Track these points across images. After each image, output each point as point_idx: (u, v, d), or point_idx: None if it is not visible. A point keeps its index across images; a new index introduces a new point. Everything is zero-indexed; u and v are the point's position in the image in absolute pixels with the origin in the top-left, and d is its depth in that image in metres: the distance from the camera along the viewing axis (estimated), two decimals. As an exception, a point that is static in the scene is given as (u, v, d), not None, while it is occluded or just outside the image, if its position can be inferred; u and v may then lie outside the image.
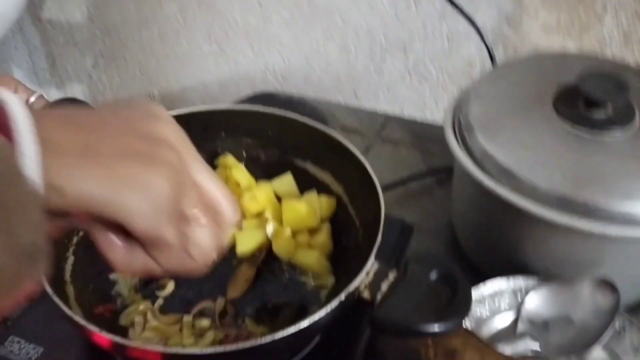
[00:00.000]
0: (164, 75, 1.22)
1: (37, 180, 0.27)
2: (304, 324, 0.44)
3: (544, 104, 0.60)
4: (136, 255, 0.34)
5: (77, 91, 1.32)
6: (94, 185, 0.29)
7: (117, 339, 0.43)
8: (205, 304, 0.56)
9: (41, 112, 0.29)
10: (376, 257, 0.49)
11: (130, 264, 0.34)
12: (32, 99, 0.60)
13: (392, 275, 0.48)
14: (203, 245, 0.35)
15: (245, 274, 0.58)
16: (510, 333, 0.57)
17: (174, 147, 0.33)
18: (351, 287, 0.46)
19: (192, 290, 0.58)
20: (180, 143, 0.34)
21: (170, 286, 0.58)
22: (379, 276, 0.48)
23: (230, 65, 1.14)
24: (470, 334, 0.54)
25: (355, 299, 0.47)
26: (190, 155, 0.35)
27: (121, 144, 0.31)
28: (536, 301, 0.58)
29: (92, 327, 0.43)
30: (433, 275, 0.47)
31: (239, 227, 0.62)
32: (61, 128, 0.29)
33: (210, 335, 0.53)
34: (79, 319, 0.44)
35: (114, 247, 0.34)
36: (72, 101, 0.64)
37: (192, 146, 0.35)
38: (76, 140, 0.29)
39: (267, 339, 0.43)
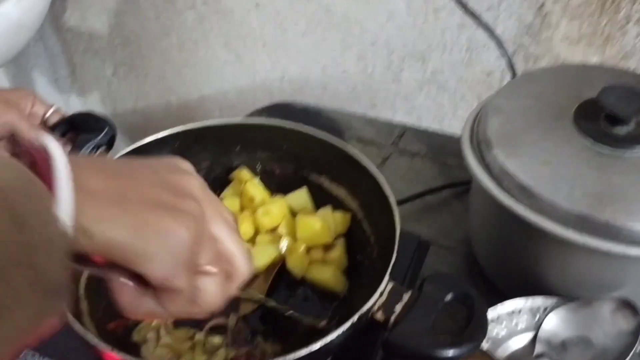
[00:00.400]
0: (182, 83, 1.23)
1: (68, 222, 0.28)
2: (316, 346, 0.43)
3: (565, 118, 0.59)
4: (145, 300, 0.34)
5: (96, 99, 1.33)
6: (121, 230, 0.31)
7: (129, 358, 0.43)
8: (217, 321, 0.56)
9: (78, 160, 0.31)
10: (391, 276, 0.48)
11: (138, 308, 0.35)
12: (49, 113, 0.60)
13: (406, 296, 0.47)
14: (211, 295, 0.36)
15: (258, 289, 0.58)
16: (527, 354, 0.56)
17: (198, 200, 0.34)
18: (364, 308, 0.45)
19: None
20: (204, 197, 0.35)
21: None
22: (393, 297, 0.47)
23: (248, 74, 1.14)
24: (486, 355, 0.52)
25: (368, 320, 0.46)
26: (213, 209, 0.35)
27: (150, 193, 0.33)
28: (555, 321, 0.56)
29: (103, 346, 0.43)
30: (449, 297, 0.46)
31: (253, 242, 0.62)
32: (96, 175, 0.31)
33: (222, 354, 0.53)
34: (91, 337, 0.44)
35: (125, 291, 0.34)
36: (89, 115, 0.64)
37: (216, 200, 0.37)
38: (108, 187, 0.31)
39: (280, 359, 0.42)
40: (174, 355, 0.53)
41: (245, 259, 0.37)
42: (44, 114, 0.59)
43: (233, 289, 0.37)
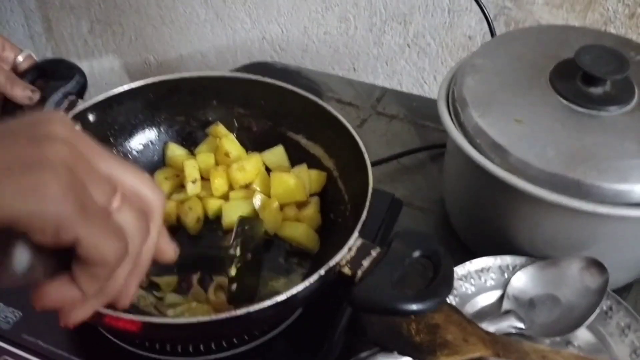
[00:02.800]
0: (160, 42, 1.20)
1: None
2: (282, 297, 0.43)
3: (541, 78, 0.59)
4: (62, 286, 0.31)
5: (72, 57, 1.30)
6: None
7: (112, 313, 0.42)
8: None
9: None
10: (362, 233, 0.48)
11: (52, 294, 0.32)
12: (20, 58, 0.58)
13: (374, 252, 0.47)
14: (131, 228, 0.32)
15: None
16: (494, 310, 0.57)
17: (66, 142, 0.30)
18: (332, 262, 0.45)
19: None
20: (73, 137, 0.31)
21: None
22: (361, 252, 0.47)
23: (228, 34, 1.12)
24: (453, 310, 0.53)
25: (335, 274, 0.46)
26: (88, 148, 0.32)
27: (3, 159, 0.29)
28: (523, 279, 0.57)
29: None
30: (416, 253, 0.46)
31: (226, 198, 0.61)
32: None
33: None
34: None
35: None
36: (61, 62, 0.62)
37: (88, 139, 0.32)
38: None
39: (244, 311, 0.42)
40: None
41: (150, 188, 0.34)
42: (14, 59, 0.58)
43: (157, 224, 0.34)
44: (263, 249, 0.56)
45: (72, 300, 0.32)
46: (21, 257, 0.30)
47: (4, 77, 0.56)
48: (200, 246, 0.59)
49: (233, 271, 0.50)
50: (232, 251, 0.50)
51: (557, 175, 0.51)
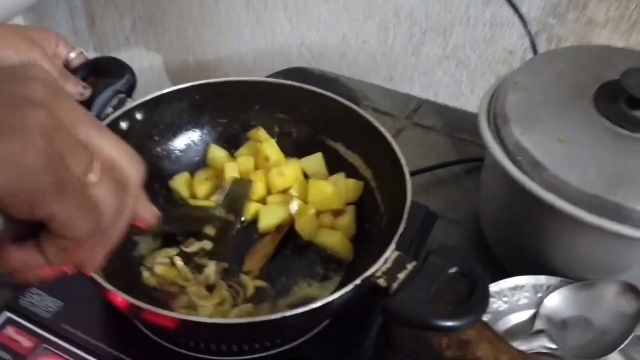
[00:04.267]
0: (200, 42, 1.22)
1: None
2: (317, 304, 0.44)
3: (584, 98, 0.59)
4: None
5: (114, 53, 1.33)
6: None
7: (131, 299, 0.43)
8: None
9: None
10: (397, 245, 0.49)
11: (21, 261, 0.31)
12: (73, 55, 0.60)
13: (410, 266, 0.47)
14: (106, 203, 0.31)
15: (264, 248, 0.58)
16: (526, 329, 0.57)
17: (45, 106, 0.28)
18: (368, 272, 0.46)
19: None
20: (54, 101, 0.29)
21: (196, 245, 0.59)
22: (397, 265, 0.47)
23: (267, 38, 1.13)
24: (485, 327, 0.53)
25: (370, 285, 0.47)
26: (69, 111, 0.30)
27: None
28: (557, 300, 0.57)
29: (108, 286, 0.44)
30: (453, 270, 0.47)
31: (264, 202, 0.62)
32: None
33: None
34: (95, 275, 0.45)
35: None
36: (112, 60, 0.64)
37: (70, 101, 0.31)
38: None
39: (279, 315, 0.43)
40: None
41: (129, 157, 0.33)
42: (67, 55, 0.60)
43: (133, 195, 0.34)
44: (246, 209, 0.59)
45: (35, 266, 0.31)
46: None
47: (57, 73, 0.57)
48: (186, 206, 0.60)
49: (211, 231, 0.52)
50: (216, 212, 0.52)
51: (597, 197, 0.51)
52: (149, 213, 0.37)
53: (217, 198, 0.55)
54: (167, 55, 1.28)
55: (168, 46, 1.26)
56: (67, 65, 0.60)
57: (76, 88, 0.58)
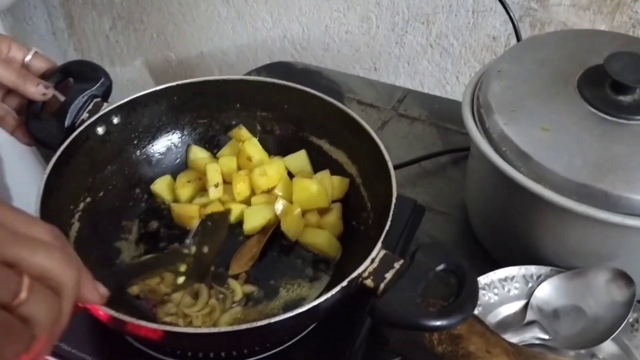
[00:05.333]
0: (181, 40, 1.20)
1: None
2: (303, 309, 0.43)
3: (568, 85, 0.58)
4: None
5: (94, 53, 1.31)
6: None
7: (113, 312, 0.42)
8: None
9: None
10: (384, 241, 0.48)
11: None
12: (29, 57, 0.58)
13: (397, 264, 0.46)
14: (40, 317, 0.30)
15: (250, 251, 0.57)
16: (518, 321, 0.56)
17: None
18: (354, 274, 0.45)
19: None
20: None
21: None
22: (384, 264, 0.46)
23: (249, 32, 1.12)
24: (476, 321, 0.52)
25: (358, 286, 0.46)
26: None
27: None
28: (548, 290, 0.56)
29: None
30: (440, 267, 0.46)
31: (248, 202, 0.61)
32: None
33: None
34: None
35: None
36: (86, 64, 0.62)
37: None
38: None
39: (265, 322, 0.42)
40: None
41: (60, 263, 0.31)
42: (23, 58, 0.58)
43: (70, 298, 0.32)
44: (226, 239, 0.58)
45: None
46: None
47: (14, 75, 0.55)
48: (160, 248, 0.59)
49: (182, 267, 0.53)
50: (185, 250, 0.54)
51: (584, 185, 0.51)
52: (96, 296, 0.37)
53: (187, 242, 0.56)
54: (149, 53, 1.26)
55: (149, 44, 1.24)
56: (27, 68, 0.58)
57: (38, 88, 0.56)
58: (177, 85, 0.62)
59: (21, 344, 0.30)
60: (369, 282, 0.46)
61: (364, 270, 0.46)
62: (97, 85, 0.59)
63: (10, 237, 0.30)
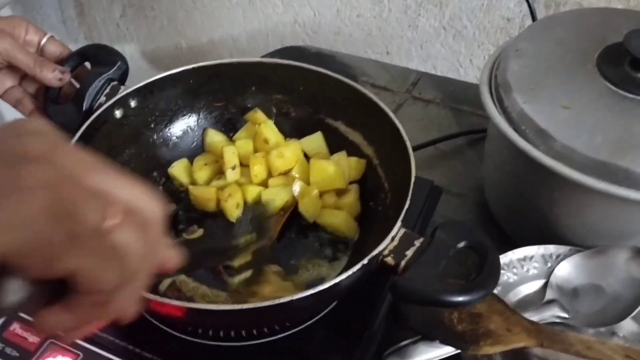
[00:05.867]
0: (191, 26, 1.20)
1: None
2: (325, 286, 0.43)
3: (588, 63, 0.57)
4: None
5: (105, 41, 1.30)
6: None
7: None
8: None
9: None
10: (403, 222, 0.48)
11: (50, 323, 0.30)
12: (44, 40, 0.58)
13: (418, 242, 0.46)
14: (130, 247, 0.29)
15: (269, 232, 0.57)
16: (537, 300, 0.56)
17: (47, 160, 0.27)
18: (375, 251, 0.45)
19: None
20: (55, 153, 0.28)
21: (199, 232, 0.58)
22: (405, 242, 0.46)
23: (259, 18, 1.11)
24: (496, 299, 0.52)
25: (378, 264, 0.46)
26: (73, 162, 0.28)
27: None
28: (567, 269, 0.56)
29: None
30: (461, 244, 0.46)
31: (265, 185, 0.61)
32: None
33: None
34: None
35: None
36: (102, 48, 0.62)
37: (72, 149, 0.29)
38: None
39: (287, 299, 0.42)
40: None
41: (147, 198, 0.31)
42: (39, 42, 0.58)
43: (157, 237, 0.31)
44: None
45: (71, 327, 0.30)
46: (12, 290, 0.28)
47: (32, 61, 0.56)
48: (178, 231, 0.59)
49: (237, 262, 0.52)
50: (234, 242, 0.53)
51: (604, 163, 0.50)
52: (173, 257, 0.35)
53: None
54: (159, 41, 1.26)
55: (159, 31, 1.24)
56: (42, 53, 0.58)
57: (54, 74, 0.56)
58: (193, 68, 0.62)
59: (119, 272, 0.29)
60: (389, 260, 0.46)
61: (385, 248, 0.46)
62: (114, 69, 0.60)
63: (94, 165, 0.30)
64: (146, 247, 0.30)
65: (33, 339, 0.51)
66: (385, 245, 0.46)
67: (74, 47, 0.62)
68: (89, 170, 0.29)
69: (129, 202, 0.30)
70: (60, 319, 0.30)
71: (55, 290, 0.29)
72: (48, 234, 0.26)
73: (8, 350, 0.50)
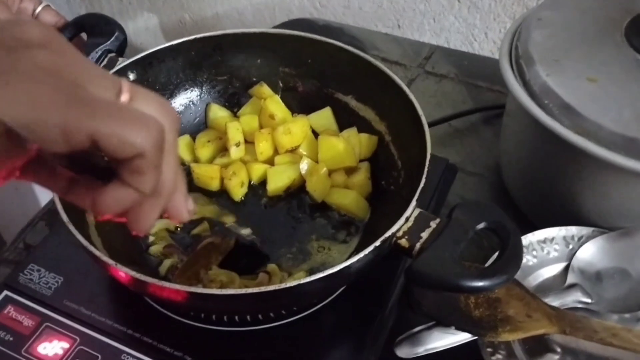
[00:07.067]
0: (196, 0, 1.16)
1: None
2: (334, 270, 0.40)
3: (615, 33, 0.54)
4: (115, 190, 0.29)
5: (107, 14, 1.27)
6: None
7: (134, 273, 0.40)
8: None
9: None
10: (417, 202, 0.45)
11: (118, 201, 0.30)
12: (39, 9, 0.56)
13: (434, 223, 0.43)
14: (154, 111, 0.29)
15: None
16: (558, 284, 0.53)
17: (44, 45, 0.27)
18: (388, 233, 0.42)
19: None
20: (52, 39, 0.28)
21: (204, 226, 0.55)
22: (420, 223, 0.43)
23: (266, -10, 1.08)
24: (515, 284, 0.50)
25: (391, 246, 0.43)
26: (73, 54, 0.28)
27: None
28: (590, 251, 0.53)
29: (109, 261, 0.41)
30: (480, 226, 0.43)
31: (271, 162, 0.58)
32: None
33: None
34: (94, 249, 0.41)
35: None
36: (100, 18, 0.59)
37: (73, 48, 0.29)
38: None
39: (294, 283, 0.40)
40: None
41: (158, 103, 0.30)
42: (34, 10, 0.55)
43: (173, 149, 0.31)
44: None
45: (132, 202, 0.30)
46: None
47: None
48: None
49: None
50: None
51: (633, 140, 0.47)
52: (185, 208, 0.34)
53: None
54: (163, 15, 1.22)
55: (163, 4, 1.20)
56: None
57: None
58: (195, 39, 0.59)
59: (149, 130, 0.28)
60: (403, 242, 0.43)
61: (398, 230, 0.43)
62: (111, 39, 0.57)
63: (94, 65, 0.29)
64: (170, 116, 0.30)
65: (28, 322, 0.48)
66: (399, 226, 0.43)
67: (75, 21, 0.59)
68: (92, 66, 0.29)
69: (140, 90, 0.29)
70: (116, 194, 0.29)
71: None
72: (55, 108, 0.26)
73: (2, 334, 0.48)
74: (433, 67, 0.81)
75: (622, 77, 0.51)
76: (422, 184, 0.46)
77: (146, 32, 1.26)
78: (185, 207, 0.34)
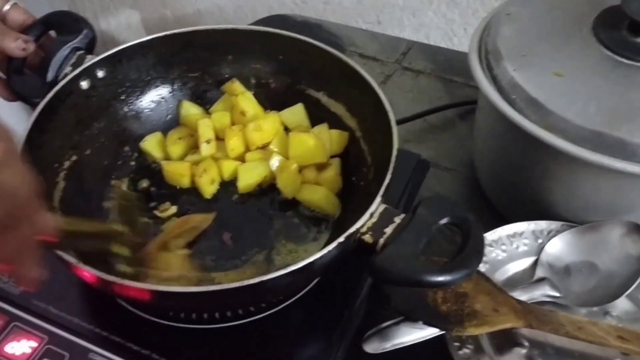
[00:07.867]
0: (177, -4, 1.16)
1: None
2: (298, 265, 0.40)
3: (583, 27, 0.54)
4: None
5: (89, 12, 1.26)
6: None
7: (99, 273, 0.40)
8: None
9: None
10: (385, 197, 0.45)
11: None
12: (7, 7, 0.55)
13: (398, 219, 0.43)
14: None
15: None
16: (527, 278, 0.53)
17: None
18: (352, 229, 0.42)
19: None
20: None
21: (172, 210, 0.55)
22: (384, 219, 0.43)
23: (246, -14, 1.07)
24: (483, 278, 0.50)
25: (356, 242, 0.43)
26: None
27: None
28: (559, 245, 0.54)
29: (72, 260, 0.41)
30: (444, 220, 0.43)
31: (242, 159, 0.58)
32: None
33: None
34: (59, 251, 0.41)
35: None
36: (67, 15, 0.59)
37: None
38: None
39: (257, 280, 0.40)
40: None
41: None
42: (1, 9, 0.55)
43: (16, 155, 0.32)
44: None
45: None
46: None
47: None
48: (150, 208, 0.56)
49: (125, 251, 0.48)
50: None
51: (599, 133, 0.47)
52: (50, 223, 0.36)
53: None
54: (144, 11, 1.22)
55: (144, 1, 1.20)
56: (5, 21, 0.55)
57: (17, 43, 0.53)
58: (165, 35, 0.59)
59: None
60: (367, 238, 0.43)
61: (363, 225, 0.43)
62: (80, 37, 0.56)
63: None
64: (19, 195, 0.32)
65: (-5, 322, 0.48)
66: (364, 222, 0.43)
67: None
68: None
69: None
70: None
71: None
72: None
73: (-32, 334, 0.48)
74: (410, 62, 0.81)
75: (589, 72, 0.51)
76: (387, 180, 0.46)
77: (128, 29, 1.25)
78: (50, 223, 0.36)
